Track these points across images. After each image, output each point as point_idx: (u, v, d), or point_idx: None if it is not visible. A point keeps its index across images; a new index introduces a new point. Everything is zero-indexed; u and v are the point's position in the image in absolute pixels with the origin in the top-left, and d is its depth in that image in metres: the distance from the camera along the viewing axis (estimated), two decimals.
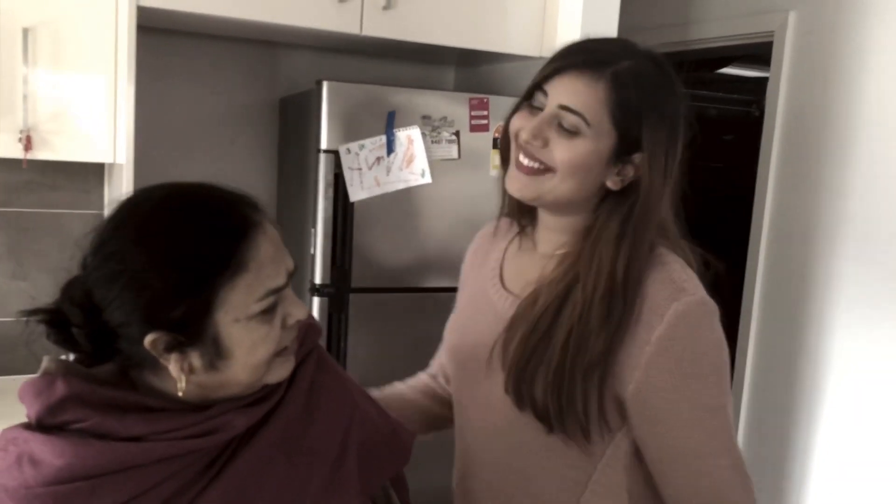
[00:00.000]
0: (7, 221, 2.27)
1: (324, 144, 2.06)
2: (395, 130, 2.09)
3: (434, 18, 2.19)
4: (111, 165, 2.24)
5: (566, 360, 1.03)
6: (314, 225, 2.09)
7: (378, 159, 2.08)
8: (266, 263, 0.84)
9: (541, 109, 1.07)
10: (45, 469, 0.79)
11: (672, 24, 3.36)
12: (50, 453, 0.79)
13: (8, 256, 2.29)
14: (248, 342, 0.84)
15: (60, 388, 0.82)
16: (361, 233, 2.11)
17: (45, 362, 0.86)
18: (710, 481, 1.06)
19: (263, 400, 0.90)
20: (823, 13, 2.80)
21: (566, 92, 1.05)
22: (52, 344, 0.86)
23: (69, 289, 0.85)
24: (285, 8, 2.01)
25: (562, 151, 1.05)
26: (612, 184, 1.07)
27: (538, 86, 1.08)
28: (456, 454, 1.27)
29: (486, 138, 2.19)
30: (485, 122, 2.18)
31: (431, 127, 2.13)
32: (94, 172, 2.36)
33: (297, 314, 0.88)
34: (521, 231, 1.21)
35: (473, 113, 2.17)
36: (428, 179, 2.13)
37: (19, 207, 2.27)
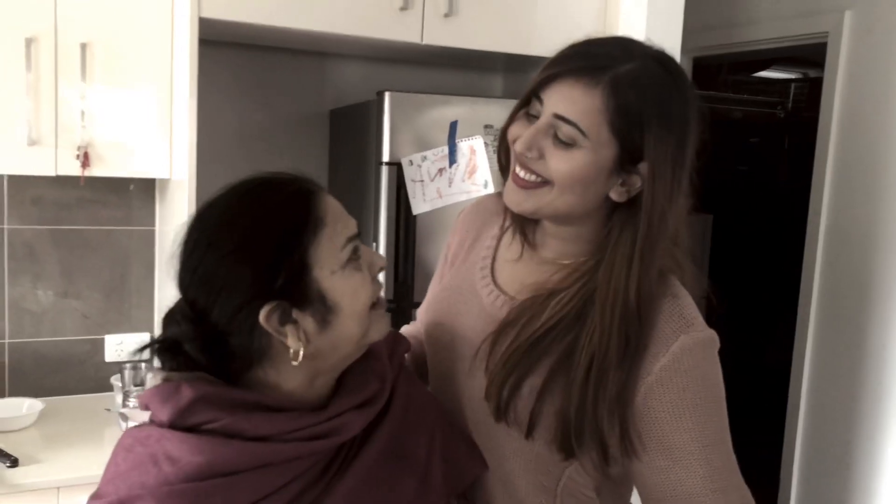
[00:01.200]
0: (60, 239, 2.23)
1: (385, 157, 2.01)
2: (457, 141, 2.03)
3: (494, 25, 2.14)
4: (162, 181, 2.21)
5: (588, 392, 0.97)
6: (375, 239, 2.04)
7: (440, 170, 2.03)
8: (338, 217, 0.91)
9: (537, 117, 0.99)
10: (184, 466, 0.82)
11: (723, 25, 3.29)
12: (189, 451, 0.82)
13: (60, 275, 2.25)
14: (349, 290, 0.89)
15: (188, 392, 0.86)
16: (424, 246, 2.06)
17: (156, 376, 0.92)
18: None
19: (373, 401, 0.96)
20: (881, 12, 2.73)
21: (562, 100, 0.97)
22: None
23: (172, 314, 0.90)
24: (346, 18, 1.97)
25: (558, 163, 0.97)
26: (616, 196, 0.99)
27: (534, 92, 1.00)
28: None
29: None
30: None
31: (494, 136, 2.07)
32: (144, 189, 2.32)
33: (378, 262, 0.96)
34: (523, 235, 1.13)
35: None
36: (490, 190, 2.07)
37: (71, 225, 2.24)
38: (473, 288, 1.12)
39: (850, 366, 2.79)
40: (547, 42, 2.21)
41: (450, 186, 2.04)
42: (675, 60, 1.01)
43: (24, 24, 1.85)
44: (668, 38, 2.18)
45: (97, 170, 1.96)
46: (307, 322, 0.88)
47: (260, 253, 0.86)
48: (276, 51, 2.46)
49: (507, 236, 1.15)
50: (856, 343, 2.77)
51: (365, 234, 2.14)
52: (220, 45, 2.37)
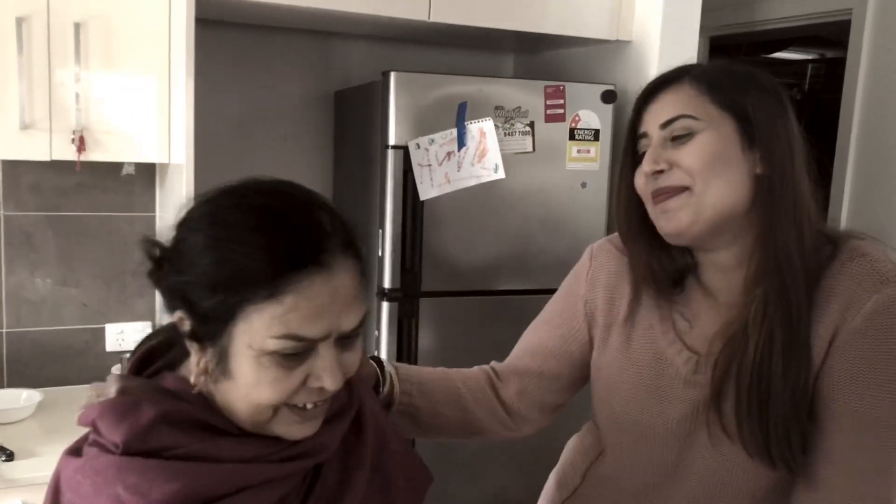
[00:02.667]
0: (58, 226, 2.17)
1: (392, 140, 1.93)
2: (466, 123, 1.95)
3: (504, 2, 2.05)
4: (163, 166, 2.14)
5: (795, 401, 0.95)
6: (381, 226, 1.97)
7: (448, 154, 1.95)
8: (304, 307, 0.73)
9: (650, 147, 1.02)
10: (156, 498, 0.71)
11: (744, 2, 3.19)
12: (159, 479, 0.72)
13: (59, 262, 2.19)
14: (252, 376, 0.75)
15: (148, 411, 0.75)
16: (431, 233, 1.98)
17: (116, 383, 0.80)
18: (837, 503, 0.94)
19: (342, 414, 0.86)
20: None
21: (660, 111, 1.01)
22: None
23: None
24: None
25: (688, 157, 0.98)
26: (760, 169, 0.98)
27: (633, 134, 1.05)
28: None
29: (562, 129, 2.05)
30: (561, 111, 2.03)
31: (504, 118, 1.99)
32: (145, 174, 2.25)
33: (325, 381, 0.76)
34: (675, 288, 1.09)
35: (549, 102, 2.02)
36: (501, 175, 2.00)
37: (69, 211, 2.17)
38: (664, 360, 1.05)
39: None
40: (558, 20, 2.13)
41: (458, 171, 1.96)
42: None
43: (15, 2, 1.77)
44: (687, 13, 2.08)
45: (93, 154, 1.90)
46: (209, 360, 0.77)
47: (211, 270, 0.75)
48: (280, 30, 2.39)
49: (683, 299, 1.09)
50: None
51: (370, 220, 2.06)
52: (221, 24, 2.29)
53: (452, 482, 2.12)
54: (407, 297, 1.99)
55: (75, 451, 0.80)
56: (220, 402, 0.79)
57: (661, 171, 0.99)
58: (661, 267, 1.07)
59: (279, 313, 0.72)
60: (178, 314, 0.77)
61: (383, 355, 1.99)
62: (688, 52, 2.09)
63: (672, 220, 0.99)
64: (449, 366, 2.06)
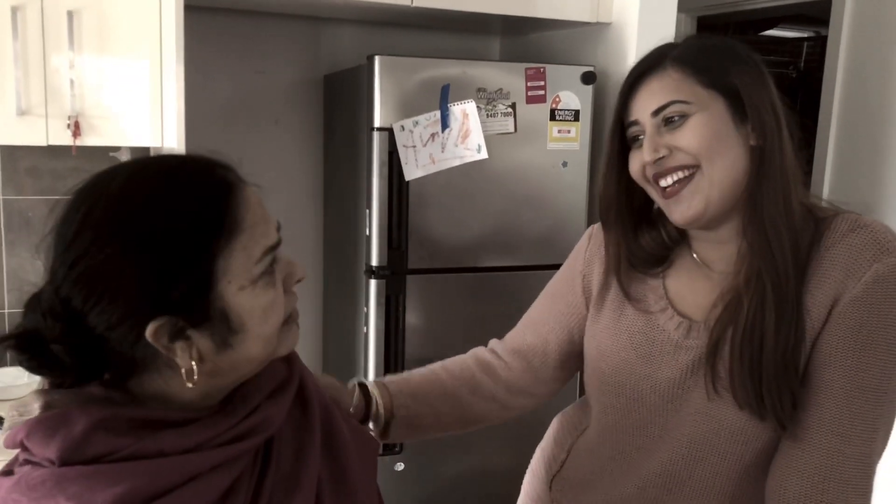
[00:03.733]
0: (56, 209, 2.23)
1: (377, 122, 1.99)
2: (449, 105, 2.01)
3: None
4: (160, 150, 2.20)
5: (786, 358, 0.99)
6: (369, 206, 2.03)
7: (433, 136, 2.01)
8: (258, 221, 0.77)
9: (638, 138, 1.06)
10: (99, 502, 0.69)
11: None
12: (102, 483, 0.69)
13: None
14: (259, 310, 0.76)
15: (80, 419, 0.71)
16: (417, 213, 2.04)
17: (39, 399, 0.75)
18: (818, 462, 0.98)
19: (285, 386, 0.85)
20: None
21: (649, 99, 1.04)
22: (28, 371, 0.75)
23: (37, 303, 0.75)
24: None
25: (687, 139, 1.01)
26: (754, 141, 1.02)
27: (620, 122, 1.08)
28: (587, 462, 1.21)
29: (543, 110, 2.10)
30: (542, 92, 2.09)
31: (487, 100, 2.05)
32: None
33: (297, 273, 0.82)
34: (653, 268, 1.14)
35: (530, 84, 2.08)
36: (484, 155, 2.06)
37: (67, 195, 2.23)
38: (657, 327, 1.10)
39: None
40: (540, 3, 2.17)
41: (442, 152, 2.02)
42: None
43: None
44: (663, 11, 2.13)
45: (88, 139, 1.95)
46: (203, 342, 0.74)
47: (157, 257, 0.72)
48: (270, 16, 2.44)
49: (670, 275, 1.13)
50: None
51: (358, 200, 2.13)
52: (211, 10, 2.34)
53: (440, 455, 2.19)
54: (394, 274, 2.05)
55: (6, 473, 0.74)
56: (228, 368, 0.78)
57: (662, 158, 1.02)
58: (641, 251, 1.12)
59: (246, 240, 0.75)
60: (151, 328, 0.71)
61: (371, 331, 2.06)
62: (666, 32, 2.14)
63: (689, 208, 1.02)
64: (436, 341, 2.14)
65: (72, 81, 1.91)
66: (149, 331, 0.71)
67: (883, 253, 0.97)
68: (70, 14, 1.88)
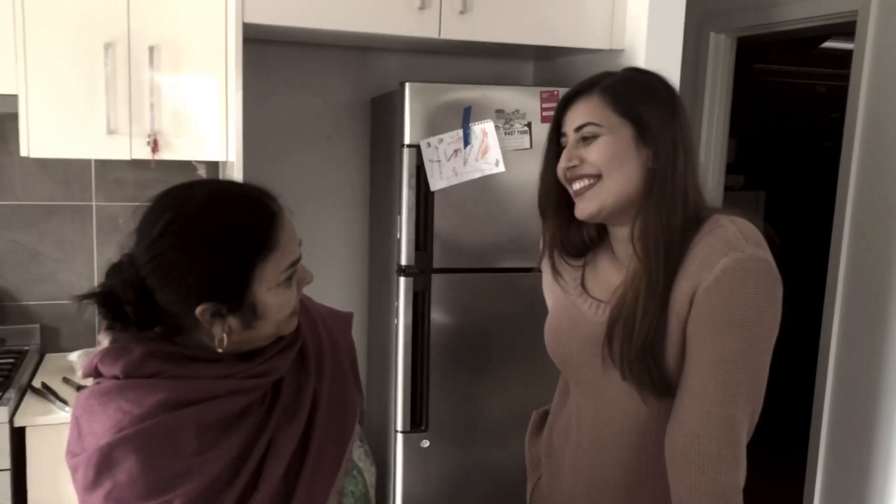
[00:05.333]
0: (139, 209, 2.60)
1: (407, 139, 2.28)
2: (470, 124, 2.28)
3: (507, 19, 2.36)
4: (225, 163, 2.54)
5: (645, 341, 1.22)
6: (399, 212, 2.32)
7: (456, 151, 2.28)
8: (288, 242, 1.05)
9: (567, 143, 1.31)
10: (149, 403, 1.00)
11: (753, 7, 3.38)
12: (150, 392, 1.00)
13: None
14: (277, 304, 1.06)
15: (137, 349, 1.02)
16: (441, 219, 2.32)
17: (106, 338, 1.07)
18: (692, 420, 1.18)
19: (291, 345, 1.14)
20: None
21: (574, 117, 1.29)
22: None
23: (119, 273, 1.03)
24: (370, 17, 2.24)
25: (594, 155, 1.26)
26: (651, 164, 1.25)
27: (557, 131, 1.34)
28: (561, 420, 1.46)
29: None
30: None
31: (505, 119, 2.31)
32: (211, 171, 2.66)
33: (307, 278, 1.11)
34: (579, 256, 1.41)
35: (544, 105, 2.33)
36: (502, 168, 2.31)
37: (147, 202, 2.60)
38: (574, 305, 1.36)
39: (872, 357, 2.86)
40: (555, 33, 2.42)
41: (464, 165, 2.29)
42: (647, 69, 1.35)
43: (103, 31, 2.19)
44: (670, 24, 2.34)
45: (165, 154, 2.30)
46: (234, 322, 1.03)
47: (217, 262, 1.00)
48: (324, 47, 2.76)
49: (588, 263, 1.40)
50: (879, 333, 2.84)
51: (392, 207, 2.42)
52: (274, 43, 2.68)
53: (465, 433, 2.44)
54: (421, 273, 2.33)
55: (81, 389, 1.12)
56: (247, 341, 1.06)
57: (574, 166, 1.28)
58: (564, 238, 1.38)
59: (278, 256, 1.04)
60: (201, 308, 1.00)
61: (401, 322, 2.34)
62: (671, 57, 2.34)
63: (587, 207, 1.28)
64: (458, 331, 2.44)
65: (151, 105, 2.26)
66: (198, 310, 1.01)
67: (731, 249, 1.18)
68: (151, 49, 2.23)
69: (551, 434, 1.47)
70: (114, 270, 1.05)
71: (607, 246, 1.38)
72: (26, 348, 2.48)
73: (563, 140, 1.32)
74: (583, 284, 1.38)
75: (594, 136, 1.26)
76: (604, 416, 1.33)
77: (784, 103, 5.31)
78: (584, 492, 1.37)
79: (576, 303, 1.37)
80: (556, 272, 1.41)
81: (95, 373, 1.07)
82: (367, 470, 1.23)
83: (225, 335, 1.04)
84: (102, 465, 0.99)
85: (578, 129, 1.28)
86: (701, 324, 1.19)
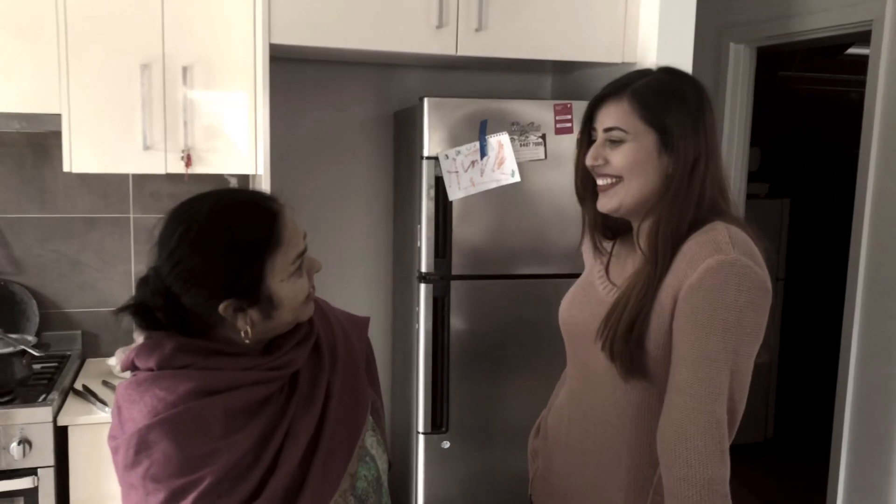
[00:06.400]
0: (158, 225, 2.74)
1: (426, 152, 2.38)
2: (486, 137, 2.37)
3: (523, 35, 2.45)
4: (254, 175, 2.66)
5: (630, 327, 1.31)
6: (419, 222, 2.41)
7: (473, 163, 2.37)
8: (292, 236, 1.16)
9: (596, 138, 1.39)
10: (181, 391, 1.12)
11: (771, 18, 3.43)
12: (182, 381, 1.13)
13: None
14: (291, 293, 1.17)
15: (169, 344, 1.14)
16: (459, 228, 2.41)
17: (141, 337, 1.19)
18: (680, 416, 1.24)
19: (307, 338, 1.25)
20: None
21: (604, 118, 1.37)
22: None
23: (147, 284, 1.16)
24: (390, 36, 2.34)
25: (617, 159, 1.35)
26: (671, 170, 1.33)
27: (588, 122, 1.41)
28: (557, 402, 1.57)
29: (570, 140, 2.43)
30: (569, 125, 2.42)
31: (520, 131, 2.40)
32: (241, 184, 2.78)
33: (316, 266, 1.22)
34: (614, 239, 1.50)
35: (558, 118, 2.41)
36: (517, 178, 2.40)
37: (167, 213, 2.73)
38: (593, 285, 1.47)
39: (894, 344, 2.88)
40: (567, 48, 2.50)
41: (481, 176, 2.38)
42: (683, 70, 1.41)
43: (139, 53, 2.32)
44: (679, 38, 2.41)
45: (198, 168, 2.43)
46: (255, 314, 1.14)
47: (230, 263, 1.11)
48: (349, 64, 2.87)
49: (617, 246, 1.49)
50: None
51: (413, 217, 2.51)
52: (301, 61, 2.80)
53: (485, 435, 2.52)
54: (441, 279, 2.42)
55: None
56: (270, 330, 1.18)
57: (598, 165, 1.37)
58: (604, 220, 1.47)
59: (285, 250, 1.15)
60: (223, 306, 1.12)
61: (422, 327, 2.44)
62: (683, 69, 2.41)
63: (607, 203, 1.38)
64: (476, 336, 2.54)
65: (185, 123, 2.39)
66: (221, 307, 1.13)
67: (716, 251, 1.25)
68: (184, 69, 2.36)
69: (547, 416, 1.58)
70: (142, 283, 1.17)
71: (633, 237, 1.46)
72: (69, 353, 2.62)
73: (593, 133, 1.41)
74: (606, 267, 1.47)
75: (620, 141, 1.34)
76: (590, 387, 1.43)
77: (812, 111, 5.31)
78: (578, 465, 1.46)
79: (594, 281, 1.47)
80: (597, 251, 1.51)
81: (132, 366, 1.20)
82: (379, 457, 1.33)
83: (248, 327, 1.15)
84: (140, 446, 1.11)
85: (607, 130, 1.36)
86: (685, 321, 1.26)
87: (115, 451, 1.16)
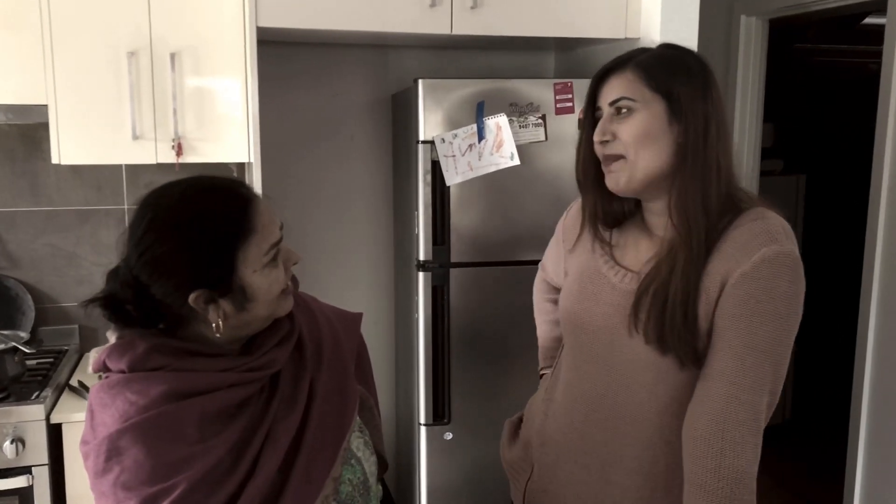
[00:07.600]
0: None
1: (421, 135, 2.30)
2: (484, 119, 2.29)
3: (518, 12, 2.36)
4: (247, 164, 2.60)
5: (684, 312, 1.24)
6: (417, 208, 2.34)
7: (470, 146, 2.29)
8: (266, 224, 1.11)
9: (602, 117, 1.33)
10: (153, 394, 1.07)
11: None
12: (154, 384, 1.07)
13: None
14: (266, 285, 1.11)
15: (141, 344, 1.09)
16: (458, 214, 2.34)
17: (114, 335, 1.13)
18: (720, 406, 1.20)
19: (288, 337, 1.19)
20: None
21: (609, 92, 1.31)
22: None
23: (115, 276, 1.11)
24: (381, 16, 2.26)
25: (625, 131, 1.28)
26: (681, 139, 1.27)
27: (592, 103, 1.35)
28: (554, 405, 1.48)
29: (571, 120, 2.34)
30: (569, 104, 2.33)
31: (519, 113, 2.31)
32: (240, 172, 2.73)
33: (293, 258, 1.17)
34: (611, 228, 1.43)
35: (558, 97, 2.33)
36: (517, 161, 2.32)
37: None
38: (600, 273, 1.40)
39: None
40: (567, 23, 2.41)
41: (479, 160, 2.30)
42: (685, 46, 1.36)
43: (126, 40, 2.26)
44: (684, 12, 2.32)
45: (189, 157, 2.37)
46: (227, 305, 1.09)
47: (199, 251, 1.06)
48: (343, 46, 2.80)
49: (616, 238, 1.43)
50: None
51: (410, 203, 2.44)
52: (294, 45, 2.73)
53: (488, 426, 2.46)
54: (440, 267, 2.36)
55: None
56: (245, 325, 1.12)
57: (606, 141, 1.30)
58: (605, 209, 1.40)
59: (258, 239, 1.09)
60: (193, 296, 1.06)
61: (421, 316, 2.37)
62: (688, 44, 2.31)
63: (616, 180, 1.32)
64: (476, 324, 2.44)
65: (174, 111, 2.33)
66: (191, 298, 1.07)
67: (772, 241, 1.21)
68: (172, 56, 2.30)
69: (545, 423, 1.48)
70: (112, 275, 1.12)
71: (638, 218, 1.40)
72: (66, 348, 2.59)
73: (597, 114, 1.34)
74: (611, 255, 1.40)
75: (629, 111, 1.28)
76: (618, 385, 1.34)
77: (828, 84, 5.18)
78: (598, 471, 1.37)
79: (601, 270, 1.39)
80: (595, 241, 1.44)
81: (104, 367, 1.14)
82: (366, 460, 1.27)
83: (220, 320, 1.09)
84: (111, 452, 1.06)
85: (613, 102, 1.30)
86: (734, 309, 1.21)
87: (85, 456, 1.11)
